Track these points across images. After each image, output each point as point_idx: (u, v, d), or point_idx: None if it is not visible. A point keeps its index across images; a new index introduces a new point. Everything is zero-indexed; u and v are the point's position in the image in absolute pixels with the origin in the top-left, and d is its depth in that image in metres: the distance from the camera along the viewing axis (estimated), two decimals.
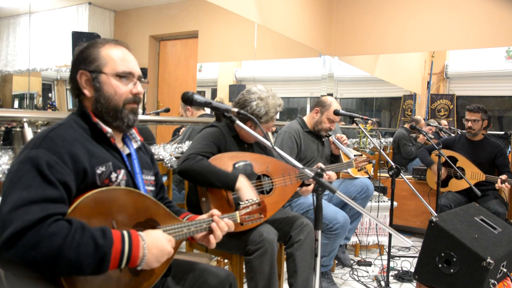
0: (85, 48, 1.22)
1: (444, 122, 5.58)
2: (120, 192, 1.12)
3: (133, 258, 1.03)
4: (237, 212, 1.43)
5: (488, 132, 3.75)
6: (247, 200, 1.49)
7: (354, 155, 2.62)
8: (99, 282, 1.03)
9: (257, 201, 1.49)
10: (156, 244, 1.08)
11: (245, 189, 1.75)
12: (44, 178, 0.99)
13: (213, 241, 1.31)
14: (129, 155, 1.28)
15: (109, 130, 1.20)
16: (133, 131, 1.32)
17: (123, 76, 1.20)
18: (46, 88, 3.26)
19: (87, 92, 1.20)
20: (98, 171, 1.13)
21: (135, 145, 1.33)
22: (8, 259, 0.90)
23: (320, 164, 2.26)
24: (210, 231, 1.31)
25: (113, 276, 1.06)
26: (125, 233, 1.03)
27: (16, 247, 0.90)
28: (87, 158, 1.11)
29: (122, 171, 1.20)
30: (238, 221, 1.42)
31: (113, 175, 1.16)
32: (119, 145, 1.26)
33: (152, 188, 1.35)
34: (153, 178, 1.37)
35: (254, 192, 1.79)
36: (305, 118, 2.72)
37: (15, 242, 0.90)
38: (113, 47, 1.22)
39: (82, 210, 1.03)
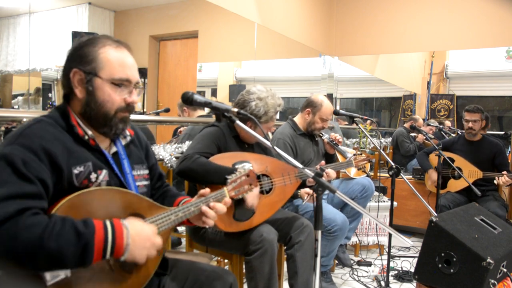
0: (83, 44, 1.15)
1: (448, 123, 5.58)
2: (98, 193, 1.08)
3: (117, 247, 0.99)
4: (224, 188, 1.38)
5: (488, 132, 3.76)
6: (234, 173, 1.45)
7: (354, 154, 2.62)
8: (92, 283, 1.01)
9: (244, 173, 1.45)
10: (140, 234, 1.05)
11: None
12: (20, 175, 0.97)
13: (210, 222, 1.28)
14: (116, 153, 1.24)
15: (88, 132, 1.16)
16: None
17: (119, 83, 1.15)
18: (46, 88, 3.26)
19: (78, 92, 1.15)
20: (76, 171, 1.08)
21: (123, 142, 1.28)
22: None
23: (323, 162, 2.25)
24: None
25: (106, 276, 1.04)
26: (107, 221, 1.01)
27: None
28: (65, 157, 1.07)
29: (104, 171, 1.15)
30: (227, 196, 1.36)
31: (93, 176, 1.12)
32: (104, 145, 1.21)
33: (145, 183, 1.32)
34: (146, 172, 1.33)
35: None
36: (296, 120, 2.68)
37: None
38: (113, 48, 1.16)
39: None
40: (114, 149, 1.24)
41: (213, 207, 1.28)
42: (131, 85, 1.18)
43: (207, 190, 1.31)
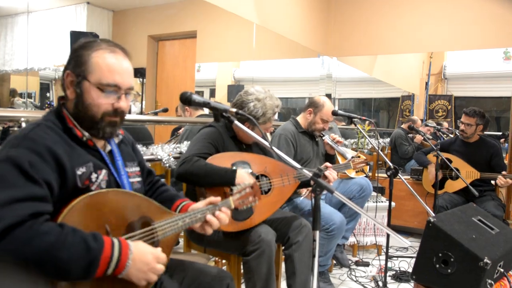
0: (80, 47, 1.17)
1: (445, 124, 5.59)
2: (110, 194, 1.11)
3: (120, 265, 1.01)
4: (230, 198, 1.41)
5: (485, 132, 3.77)
6: (238, 184, 1.49)
7: (352, 156, 2.62)
8: (95, 283, 1.02)
9: (248, 184, 1.48)
10: (141, 258, 1.06)
11: (246, 181, 1.73)
12: (28, 177, 0.98)
13: (209, 230, 1.31)
14: (110, 152, 1.26)
15: (85, 134, 1.17)
16: None
17: (106, 88, 1.15)
18: (44, 88, 3.25)
19: (69, 93, 1.17)
20: (79, 172, 1.10)
21: (116, 140, 1.30)
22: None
23: (328, 164, 2.24)
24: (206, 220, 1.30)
25: (108, 278, 1.04)
26: (115, 240, 1.03)
27: (8, 241, 0.89)
28: (68, 159, 1.08)
29: (103, 171, 1.18)
30: (232, 206, 1.40)
31: (93, 176, 1.14)
32: (100, 144, 1.23)
33: (138, 179, 1.33)
34: (137, 169, 1.35)
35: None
36: (298, 119, 2.72)
37: (6, 237, 0.90)
38: (107, 53, 1.16)
39: (74, 217, 1.01)
40: (108, 148, 1.26)
41: (217, 216, 1.31)
42: (121, 91, 1.17)
43: (218, 198, 1.34)
